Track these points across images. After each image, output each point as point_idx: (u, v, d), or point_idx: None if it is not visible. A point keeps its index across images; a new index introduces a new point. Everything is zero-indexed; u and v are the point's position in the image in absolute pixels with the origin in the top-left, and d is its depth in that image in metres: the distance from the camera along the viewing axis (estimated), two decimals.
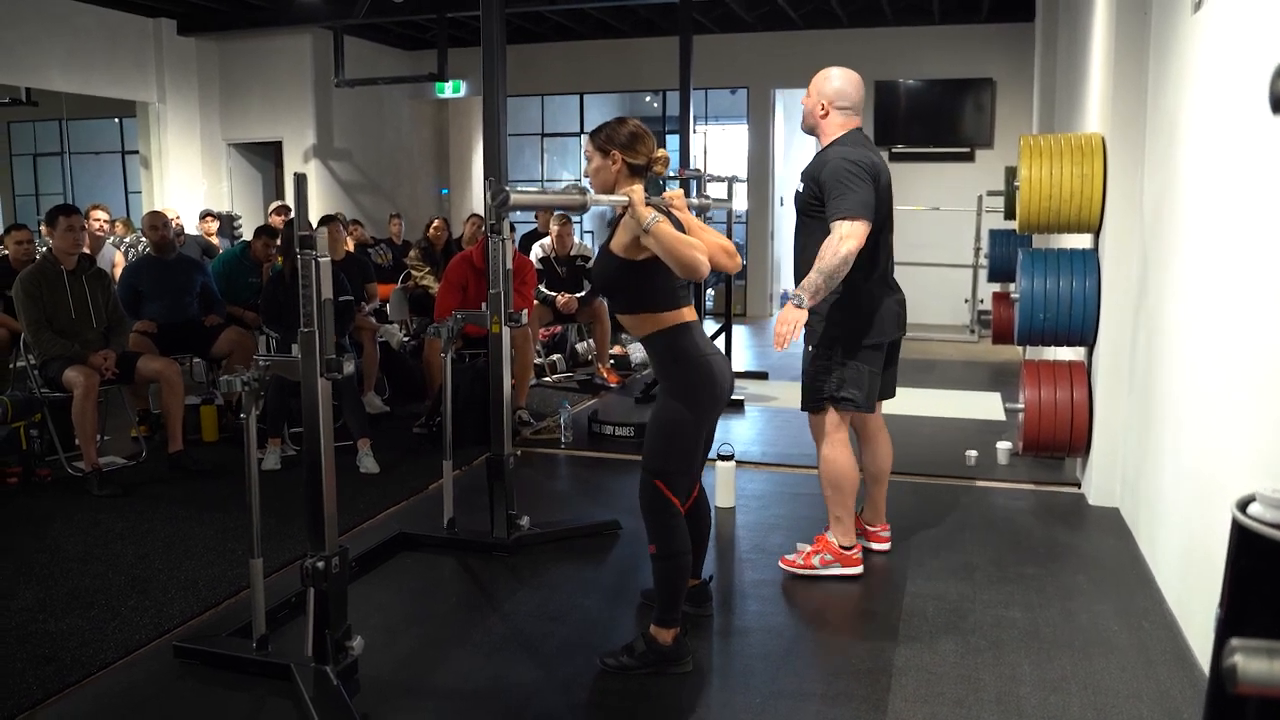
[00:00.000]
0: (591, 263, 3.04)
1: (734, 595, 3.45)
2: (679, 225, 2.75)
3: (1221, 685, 1.01)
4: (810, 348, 3.45)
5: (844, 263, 3.14)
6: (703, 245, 2.66)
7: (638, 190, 2.66)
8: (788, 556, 3.59)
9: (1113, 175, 4.11)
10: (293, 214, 2.97)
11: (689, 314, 2.82)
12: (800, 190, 3.41)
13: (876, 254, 3.36)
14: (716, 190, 7.76)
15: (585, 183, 2.86)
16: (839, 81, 3.42)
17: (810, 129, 3.51)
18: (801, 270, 3.34)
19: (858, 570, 3.50)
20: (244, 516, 2.88)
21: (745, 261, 11.42)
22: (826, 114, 3.41)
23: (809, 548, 3.56)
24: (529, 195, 2.64)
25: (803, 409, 3.53)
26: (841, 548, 3.50)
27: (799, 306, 3.14)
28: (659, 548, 2.77)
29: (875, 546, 3.74)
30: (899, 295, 3.50)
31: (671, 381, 2.80)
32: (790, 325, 3.12)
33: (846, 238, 3.16)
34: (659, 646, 2.79)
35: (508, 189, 2.61)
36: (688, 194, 7.46)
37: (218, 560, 3.71)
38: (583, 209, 2.72)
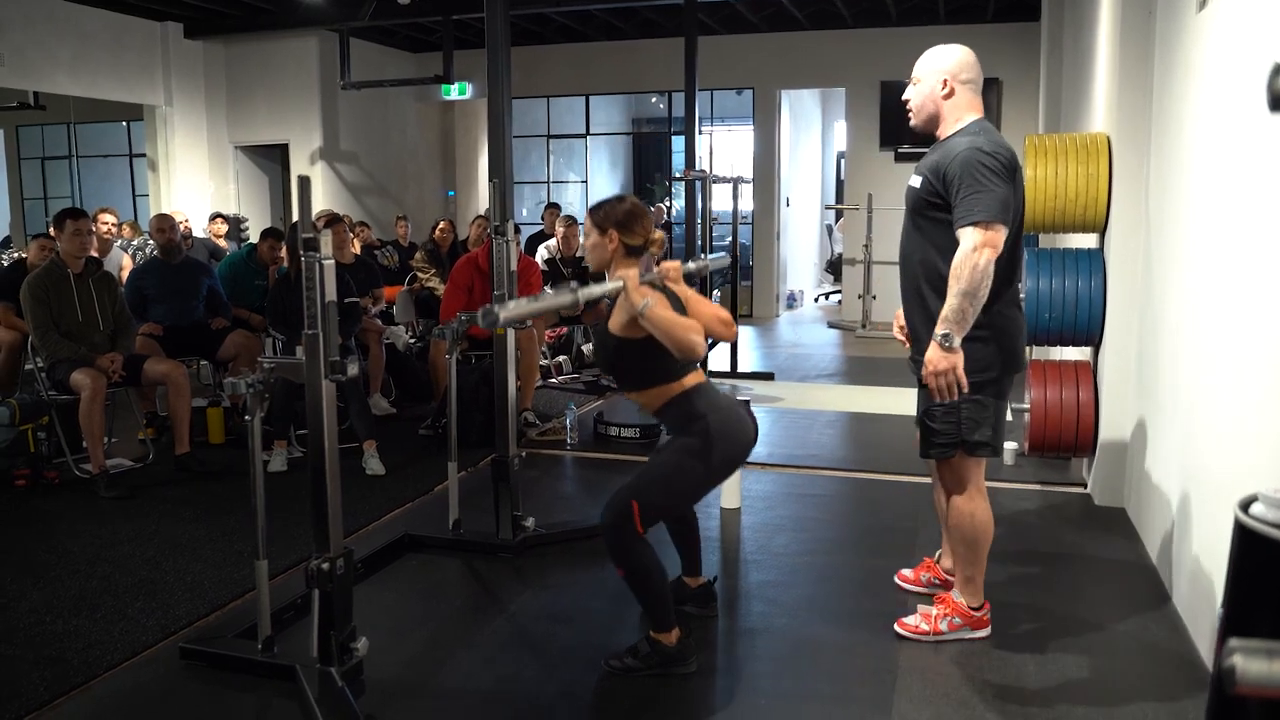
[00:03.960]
0: (590, 345, 3.01)
1: (739, 596, 3.44)
2: (676, 299, 2.78)
3: (1223, 685, 1.01)
4: None
5: (985, 276, 2.61)
6: (698, 326, 2.67)
7: (632, 275, 2.69)
8: (906, 621, 3.06)
9: (1118, 175, 4.10)
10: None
11: (696, 378, 2.82)
12: (915, 186, 2.85)
13: (1014, 267, 2.84)
14: (721, 191, 7.75)
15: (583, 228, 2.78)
16: (959, 53, 2.84)
17: (929, 119, 2.89)
18: (907, 281, 2.92)
19: (986, 632, 3.03)
20: (250, 518, 2.88)
21: (751, 263, 11.42)
22: (951, 93, 2.83)
23: (933, 610, 3.05)
24: (521, 307, 2.59)
25: (923, 455, 2.99)
26: (970, 609, 3.03)
27: (949, 348, 2.62)
28: (624, 567, 2.76)
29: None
30: (1024, 316, 2.99)
31: (689, 436, 2.78)
32: (947, 374, 2.63)
33: (982, 246, 2.61)
34: (663, 648, 2.79)
35: (496, 310, 2.42)
36: (691, 196, 7.47)
37: (224, 562, 3.72)
38: (575, 307, 2.67)
